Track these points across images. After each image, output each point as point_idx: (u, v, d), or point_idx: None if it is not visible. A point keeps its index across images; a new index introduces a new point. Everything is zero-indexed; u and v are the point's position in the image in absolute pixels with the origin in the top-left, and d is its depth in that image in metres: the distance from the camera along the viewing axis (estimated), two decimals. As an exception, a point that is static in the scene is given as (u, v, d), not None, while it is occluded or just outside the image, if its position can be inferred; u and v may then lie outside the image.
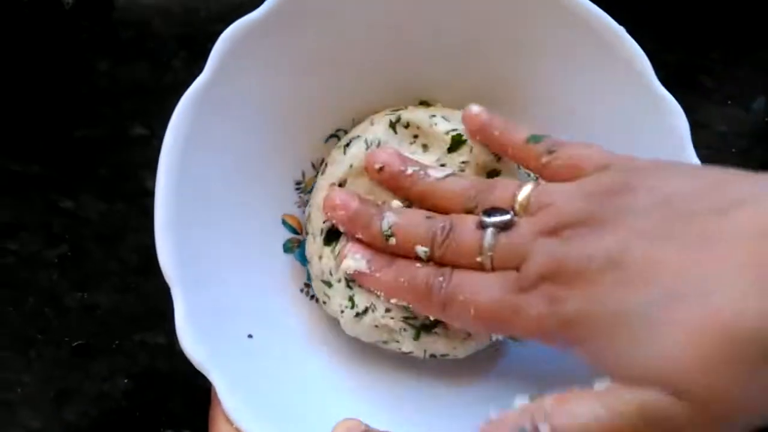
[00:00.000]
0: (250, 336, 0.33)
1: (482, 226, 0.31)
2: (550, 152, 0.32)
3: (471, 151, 0.36)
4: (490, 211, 0.31)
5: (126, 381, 0.41)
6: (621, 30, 0.34)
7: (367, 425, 0.30)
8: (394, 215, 0.33)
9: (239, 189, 0.35)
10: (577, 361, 0.35)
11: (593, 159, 0.31)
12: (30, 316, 0.41)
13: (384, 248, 0.34)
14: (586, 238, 0.29)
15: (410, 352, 0.36)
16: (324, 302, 0.36)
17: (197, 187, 0.32)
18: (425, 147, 0.36)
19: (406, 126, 0.36)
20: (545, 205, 0.31)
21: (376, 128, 0.36)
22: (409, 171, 0.34)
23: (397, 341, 0.35)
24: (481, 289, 0.31)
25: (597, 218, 0.29)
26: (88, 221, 0.43)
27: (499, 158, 0.36)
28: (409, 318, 0.35)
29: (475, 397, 0.36)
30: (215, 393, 0.30)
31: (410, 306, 0.34)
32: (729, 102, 0.46)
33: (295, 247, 0.38)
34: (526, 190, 0.31)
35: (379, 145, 0.36)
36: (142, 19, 0.47)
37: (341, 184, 0.36)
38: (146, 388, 0.40)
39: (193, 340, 0.30)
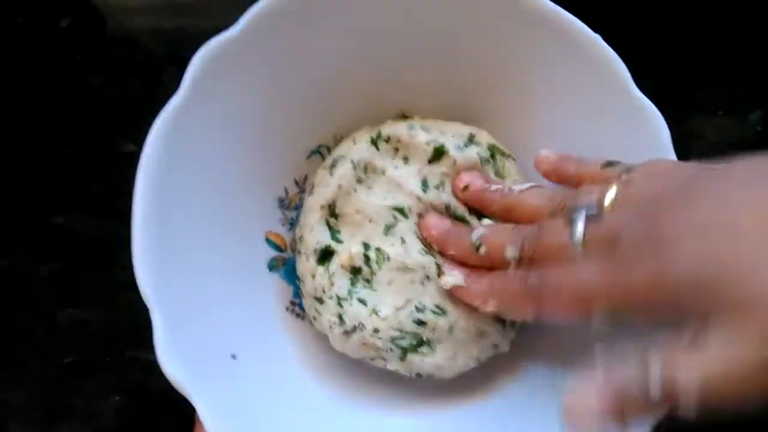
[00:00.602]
0: (233, 356, 0.33)
1: (570, 222, 0.31)
2: (629, 170, 0.32)
3: (454, 163, 0.36)
4: (577, 209, 0.31)
5: (117, 398, 0.41)
6: (597, 37, 0.34)
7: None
8: (483, 229, 0.35)
9: (220, 208, 0.35)
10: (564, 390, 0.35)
11: (669, 165, 0.31)
12: (21, 333, 0.41)
13: (476, 261, 0.35)
14: (683, 211, 0.28)
15: (396, 371, 0.36)
16: (314, 318, 0.36)
17: (176, 208, 0.32)
18: (406, 159, 0.36)
19: (387, 140, 0.36)
20: (635, 195, 0.30)
21: (359, 147, 0.36)
22: (493, 188, 0.36)
23: (384, 359, 0.35)
24: (576, 273, 0.30)
25: (692, 194, 0.28)
26: (80, 237, 0.43)
27: None
28: (396, 338, 0.35)
29: (461, 418, 0.36)
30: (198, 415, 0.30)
31: (506, 311, 0.34)
32: (720, 113, 0.46)
33: (280, 265, 0.38)
34: (613, 191, 0.31)
35: (366, 166, 0.36)
36: (134, 37, 0.47)
37: (331, 206, 0.36)
38: (138, 405, 0.41)
39: (172, 362, 0.30)
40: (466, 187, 0.36)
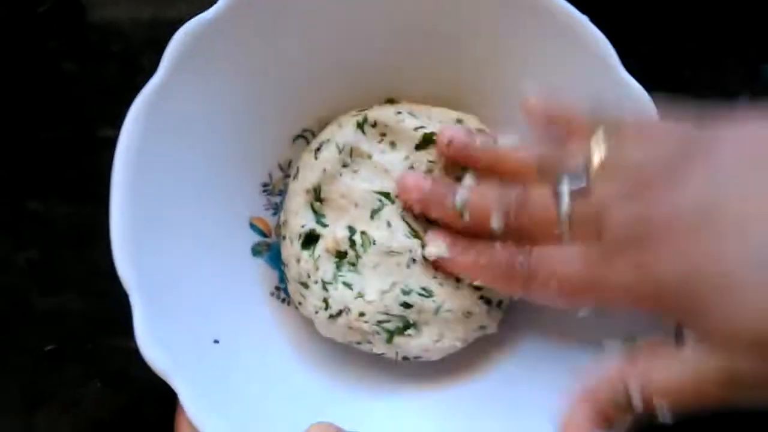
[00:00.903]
0: (216, 341, 0.33)
1: (557, 195, 0.31)
2: (617, 127, 0.31)
3: None
4: (564, 178, 0.31)
5: (99, 386, 0.40)
6: (584, 18, 0.34)
7: (339, 428, 0.30)
8: (466, 191, 0.34)
9: (202, 192, 0.34)
10: (551, 366, 0.35)
11: (659, 128, 0.31)
12: (-1, 322, 0.41)
13: (461, 229, 0.34)
14: (671, 193, 0.28)
15: (383, 354, 0.36)
16: (299, 303, 0.36)
17: (156, 192, 0.32)
18: (393, 144, 0.36)
19: (374, 125, 0.36)
20: (623, 162, 0.30)
21: (345, 131, 0.36)
22: (478, 141, 0.34)
23: (370, 342, 0.35)
24: (564, 261, 0.31)
25: (679, 171, 0.28)
26: (57, 224, 0.42)
27: None
28: (383, 321, 0.35)
29: (448, 399, 0.36)
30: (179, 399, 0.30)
31: (493, 287, 0.34)
32: (708, 93, 0.46)
33: (265, 250, 0.37)
34: (602, 151, 0.30)
35: (351, 150, 0.35)
36: (112, 25, 0.46)
37: (316, 189, 0.36)
38: (120, 393, 0.40)
39: (152, 345, 0.30)
40: (449, 143, 0.34)
